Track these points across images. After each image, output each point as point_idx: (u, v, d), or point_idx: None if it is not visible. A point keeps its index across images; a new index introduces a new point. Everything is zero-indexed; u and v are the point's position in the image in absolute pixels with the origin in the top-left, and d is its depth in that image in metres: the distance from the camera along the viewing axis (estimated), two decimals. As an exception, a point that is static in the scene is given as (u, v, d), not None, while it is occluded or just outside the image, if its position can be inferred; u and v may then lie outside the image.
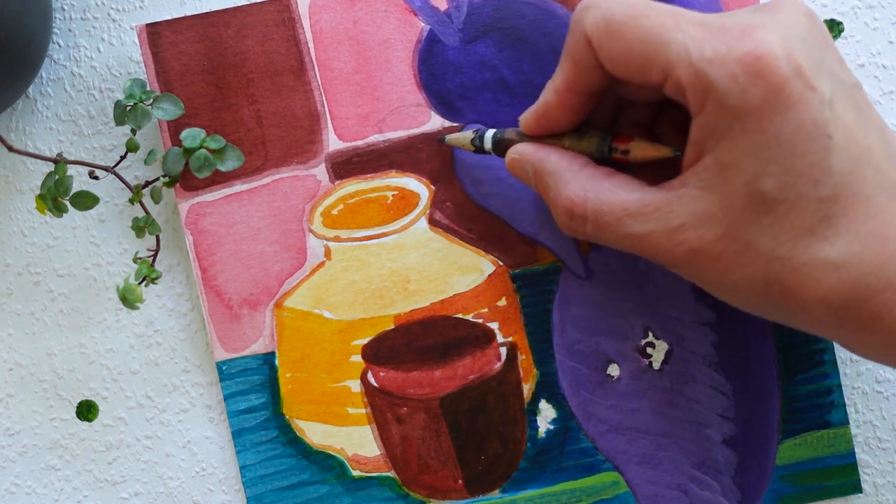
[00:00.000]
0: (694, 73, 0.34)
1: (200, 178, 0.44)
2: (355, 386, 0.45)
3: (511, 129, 0.42)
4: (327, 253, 0.45)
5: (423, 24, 0.45)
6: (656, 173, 0.39)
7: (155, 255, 0.45)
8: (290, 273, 0.45)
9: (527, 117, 0.41)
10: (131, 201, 0.44)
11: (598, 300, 0.45)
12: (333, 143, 0.45)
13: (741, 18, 0.35)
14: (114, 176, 0.45)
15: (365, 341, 0.45)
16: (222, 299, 0.45)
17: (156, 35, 0.45)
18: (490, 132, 0.42)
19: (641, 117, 0.41)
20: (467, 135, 0.43)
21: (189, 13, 0.45)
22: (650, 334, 0.45)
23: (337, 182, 0.45)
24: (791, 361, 0.45)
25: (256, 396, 0.45)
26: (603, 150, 0.39)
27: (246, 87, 0.45)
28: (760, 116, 0.33)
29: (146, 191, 0.44)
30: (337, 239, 0.45)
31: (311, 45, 0.45)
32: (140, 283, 0.43)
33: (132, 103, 0.43)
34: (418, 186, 0.45)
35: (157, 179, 0.44)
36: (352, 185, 0.45)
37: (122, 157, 0.44)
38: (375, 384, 0.45)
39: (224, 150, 0.43)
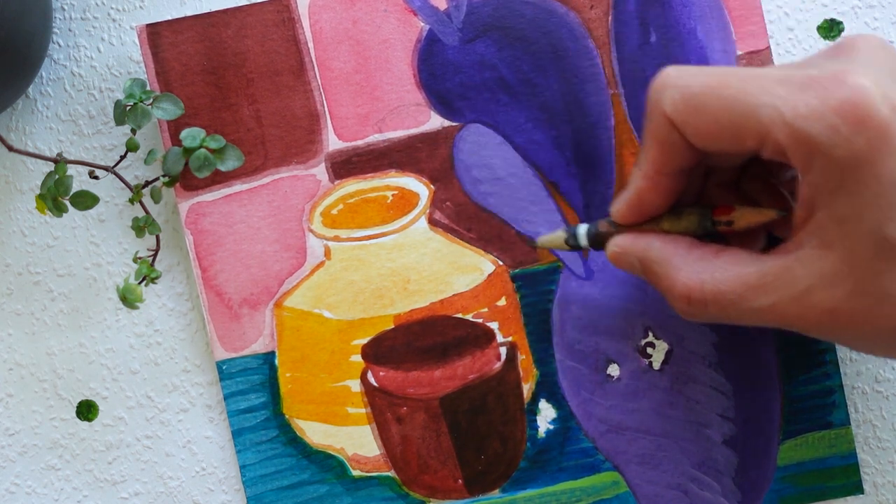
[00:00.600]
0: (792, 133, 0.33)
1: (200, 178, 0.44)
2: (355, 386, 0.45)
3: (604, 221, 0.41)
4: (327, 253, 0.45)
5: (422, 24, 0.45)
6: (759, 240, 0.39)
7: (155, 255, 0.45)
8: (290, 273, 0.45)
9: (619, 208, 0.39)
10: (131, 201, 0.44)
11: (598, 300, 0.45)
12: (333, 142, 0.45)
13: (825, 67, 0.34)
14: (114, 176, 0.45)
15: (365, 341, 0.45)
16: (222, 299, 0.45)
17: (156, 35, 0.45)
18: (583, 228, 0.41)
19: (727, 178, 0.40)
20: (559, 235, 0.42)
21: (189, 13, 0.46)
22: (650, 334, 0.45)
23: (337, 182, 0.45)
24: (792, 362, 0.45)
25: (256, 396, 0.45)
26: (706, 226, 0.38)
27: (246, 87, 0.45)
28: (872, 163, 0.32)
29: (146, 191, 0.45)
30: (337, 238, 0.45)
31: (310, 44, 0.45)
32: (140, 283, 0.43)
33: (132, 103, 0.43)
34: (418, 186, 0.45)
35: (157, 179, 0.44)
36: (351, 185, 0.45)
37: (122, 157, 0.44)
38: (375, 384, 0.45)
39: (224, 150, 0.43)
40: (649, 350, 0.45)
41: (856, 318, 0.34)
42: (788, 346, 0.45)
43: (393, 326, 0.45)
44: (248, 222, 0.45)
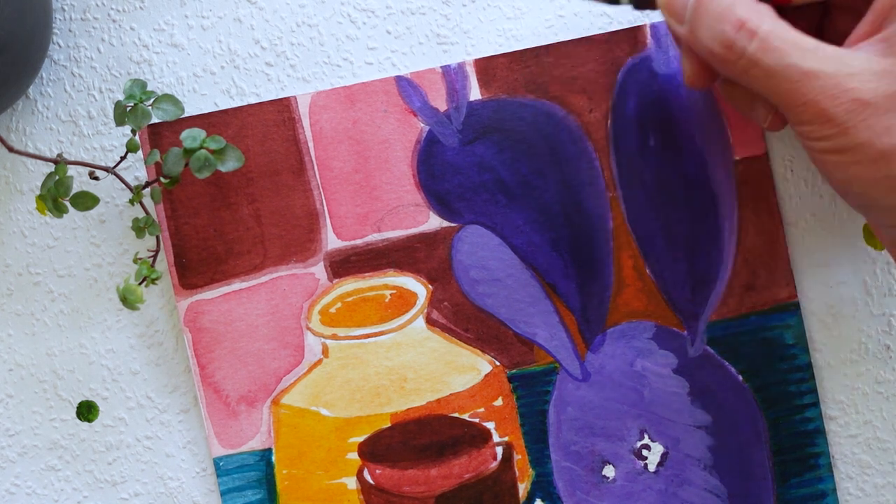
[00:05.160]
0: None
1: (200, 275, 0.44)
2: (352, 483, 0.46)
3: None
4: (325, 351, 0.46)
5: (422, 125, 0.45)
6: None
7: (155, 256, 0.44)
8: (288, 370, 0.46)
9: None
10: (131, 202, 0.44)
11: (594, 402, 0.45)
12: (332, 241, 0.45)
13: None
14: (114, 176, 0.45)
15: (361, 439, 0.45)
16: (220, 396, 0.45)
17: (157, 135, 0.45)
18: None
19: (809, 19, 0.41)
20: None
21: (188, 13, 0.46)
22: (646, 436, 0.45)
23: (335, 280, 0.46)
24: (786, 465, 0.45)
25: (253, 492, 0.46)
26: None
27: (246, 186, 0.45)
28: None
29: (146, 191, 0.44)
30: (335, 337, 0.46)
31: (310, 144, 0.45)
32: (140, 284, 0.43)
33: (132, 104, 0.42)
34: (416, 286, 0.46)
35: (156, 180, 0.44)
36: (350, 284, 0.46)
37: (123, 158, 0.44)
38: (372, 482, 0.45)
39: (224, 151, 0.43)
40: (645, 452, 0.45)
41: (882, 119, 0.35)
42: (782, 450, 0.45)
43: (390, 425, 0.45)
44: (247, 320, 0.45)
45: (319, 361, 0.46)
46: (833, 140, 0.36)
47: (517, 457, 0.46)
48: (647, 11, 0.44)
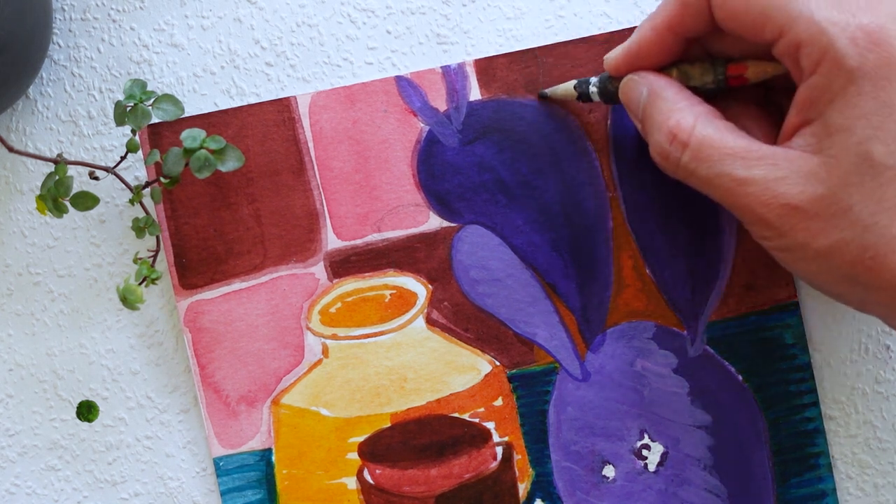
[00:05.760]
0: (816, 30, 0.35)
1: (200, 275, 0.44)
2: (352, 483, 0.46)
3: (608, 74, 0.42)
4: (325, 351, 0.46)
5: (422, 125, 0.45)
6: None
7: (155, 256, 0.44)
8: (288, 370, 0.46)
9: (615, 55, 0.41)
10: (131, 202, 0.44)
11: (594, 402, 0.45)
12: (332, 241, 0.45)
13: None
14: (114, 176, 0.45)
15: (361, 439, 0.45)
16: (220, 396, 0.45)
17: (157, 135, 0.45)
18: (594, 78, 0.42)
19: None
20: (569, 85, 0.43)
21: (188, 13, 0.46)
22: (646, 436, 0.45)
23: (335, 280, 0.46)
24: (786, 465, 0.45)
25: (253, 492, 0.46)
26: (718, 78, 0.39)
27: (246, 186, 0.45)
28: (875, 82, 0.34)
29: (146, 191, 0.44)
30: (335, 337, 0.46)
31: (310, 144, 0.45)
32: (140, 284, 0.43)
33: (132, 104, 0.42)
34: (416, 286, 0.46)
35: (156, 180, 0.44)
36: (350, 284, 0.46)
37: (123, 158, 0.44)
38: (372, 482, 0.46)
39: (224, 151, 0.43)
40: (645, 452, 0.45)
41: (814, 222, 0.35)
42: (782, 450, 0.45)
43: (390, 425, 0.45)
44: (247, 320, 0.45)
45: (319, 361, 0.46)
46: (774, 241, 0.37)
47: (517, 457, 0.46)
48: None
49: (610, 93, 0.42)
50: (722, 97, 0.41)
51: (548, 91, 0.44)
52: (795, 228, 0.36)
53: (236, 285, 0.45)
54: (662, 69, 0.40)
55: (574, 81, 0.43)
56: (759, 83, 0.40)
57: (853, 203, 0.35)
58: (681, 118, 0.38)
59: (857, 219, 0.35)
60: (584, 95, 0.43)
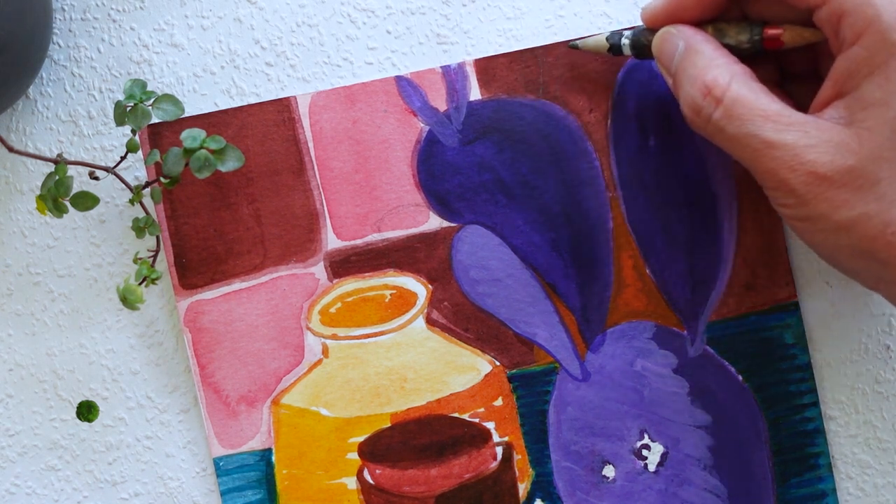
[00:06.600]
0: (862, 0, 0.34)
1: (200, 275, 0.44)
2: (351, 483, 0.46)
3: (647, 30, 0.41)
4: (325, 351, 0.46)
5: (422, 125, 0.45)
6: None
7: (155, 256, 0.44)
8: (288, 370, 0.46)
9: (653, 6, 0.40)
10: (131, 202, 0.44)
11: (594, 402, 0.45)
12: (332, 241, 0.45)
13: None
14: (114, 176, 0.45)
15: (361, 439, 0.45)
16: (220, 396, 0.45)
17: (157, 135, 0.45)
18: (628, 31, 0.42)
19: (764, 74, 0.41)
20: (601, 37, 0.43)
21: (188, 13, 0.46)
22: (646, 436, 0.45)
23: (335, 280, 0.46)
24: (786, 465, 0.45)
25: (253, 492, 0.46)
26: (754, 40, 0.39)
27: (246, 186, 0.45)
28: None
29: (146, 191, 0.44)
30: (335, 337, 0.46)
31: (310, 144, 0.45)
32: (140, 284, 0.43)
33: (132, 104, 0.42)
34: (416, 286, 0.46)
35: (156, 180, 0.44)
36: (350, 284, 0.46)
37: (123, 158, 0.44)
38: (372, 482, 0.46)
39: (224, 151, 0.43)
40: (645, 452, 0.45)
41: (839, 193, 0.35)
42: (782, 450, 0.45)
43: (390, 425, 0.45)
44: (247, 320, 0.45)
45: (319, 361, 0.46)
46: (794, 209, 0.37)
47: (517, 457, 0.46)
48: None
49: (642, 45, 0.41)
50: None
51: (578, 42, 0.44)
52: (819, 198, 0.36)
53: (236, 285, 0.45)
54: (699, 25, 0.40)
55: (607, 33, 0.43)
56: (782, 62, 0.39)
57: (882, 178, 0.35)
58: (718, 74, 0.38)
59: (883, 193, 0.35)
60: (615, 48, 0.43)
